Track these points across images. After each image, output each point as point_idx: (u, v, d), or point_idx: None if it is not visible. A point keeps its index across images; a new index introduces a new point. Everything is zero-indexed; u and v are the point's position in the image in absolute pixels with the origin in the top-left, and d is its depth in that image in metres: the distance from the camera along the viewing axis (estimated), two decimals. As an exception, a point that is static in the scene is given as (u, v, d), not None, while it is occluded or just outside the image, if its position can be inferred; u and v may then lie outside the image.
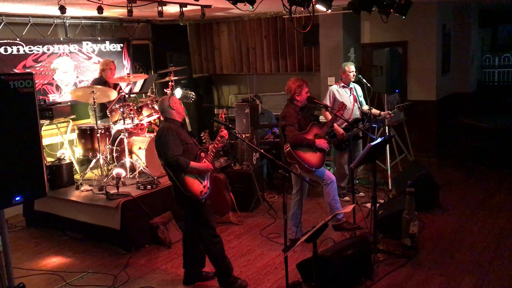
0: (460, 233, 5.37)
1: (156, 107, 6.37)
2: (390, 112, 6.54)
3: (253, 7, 3.60)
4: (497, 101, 10.42)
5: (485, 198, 6.49)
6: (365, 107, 6.52)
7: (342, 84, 6.49)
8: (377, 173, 4.87)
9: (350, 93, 6.47)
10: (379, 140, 4.73)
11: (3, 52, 6.31)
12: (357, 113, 6.41)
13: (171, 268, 4.86)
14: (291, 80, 5.15)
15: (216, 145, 4.36)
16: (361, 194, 6.75)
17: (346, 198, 6.60)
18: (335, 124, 5.99)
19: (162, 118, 4.40)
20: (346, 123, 5.94)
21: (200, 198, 4.11)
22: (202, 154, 4.23)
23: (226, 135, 4.34)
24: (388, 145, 6.77)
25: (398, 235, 4.96)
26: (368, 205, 5.96)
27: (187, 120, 8.21)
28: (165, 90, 6.95)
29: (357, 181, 7.12)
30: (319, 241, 3.59)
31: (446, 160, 8.45)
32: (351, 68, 6.41)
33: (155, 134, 4.42)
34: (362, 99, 6.57)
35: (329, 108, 5.84)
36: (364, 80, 6.29)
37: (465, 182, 7.26)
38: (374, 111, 6.49)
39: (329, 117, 5.93)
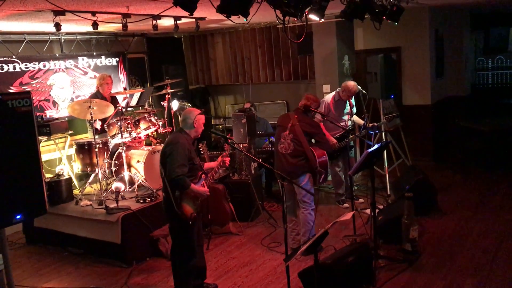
0: (460, 236, 5.39)
1: (153, 120, 6.40)
2: (375, 124, 6.50)
3: (246, 19, 3.63)
4: (492, 103, 10.48)
5: (483, 200, 6.52)
6: (355, 118, 6.57)
7: (338, 98, 6.48)
8: (375, 179, 4.90)
9: (344, 105, 6.51)
10: (376, 146, 4.76)
11: (-1, 70, 6.35)
12: (348, 123, 6.43)
13: (172, 280, 4.84)
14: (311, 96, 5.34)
15: (216, 170, 4.44)
16: (360, 200, 6.75)
17: (346, 204, 6.61)
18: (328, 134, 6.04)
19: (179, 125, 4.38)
20: (340, 132, 6.02)
21: (188, 219, 4.10)
22: (203, 176, 4.27)
23: (227, 161, 4.43)
24: (385, 150, 6.79)
25: (398, 240, 4.98)
26: (368, 211, 5.98)
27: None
28: (162, 103, 6.98)
29: (355, 187, 7.13)
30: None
31: (444, 164, 8.48)
32: (353, 89, 6.31)
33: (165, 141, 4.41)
34: (354, 109, 6.57)
35: (325, 117, 5.82)
36: (359, 87, 6.32)
37: (463, 184, 7.30)
38: (359, 120, 6.57)
39: None
